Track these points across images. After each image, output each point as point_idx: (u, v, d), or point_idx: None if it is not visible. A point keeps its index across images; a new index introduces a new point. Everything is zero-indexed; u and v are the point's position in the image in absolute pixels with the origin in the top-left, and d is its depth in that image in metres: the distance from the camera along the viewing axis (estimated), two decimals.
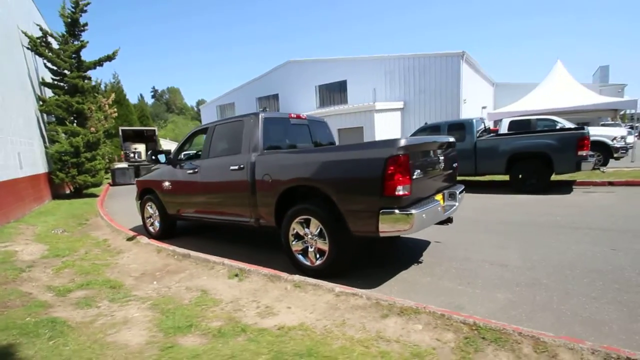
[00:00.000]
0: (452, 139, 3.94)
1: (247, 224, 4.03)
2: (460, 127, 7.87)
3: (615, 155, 9.21)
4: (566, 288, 2.77)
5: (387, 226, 2.83)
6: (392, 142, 2.81)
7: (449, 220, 3.73)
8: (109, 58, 10.59)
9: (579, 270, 3.11)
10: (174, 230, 5.54)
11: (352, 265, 3.47)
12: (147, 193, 5.59)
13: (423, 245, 4.20)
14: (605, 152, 9.19)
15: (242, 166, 3.91)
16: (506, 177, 7.46)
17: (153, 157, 4.96)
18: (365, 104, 17.18)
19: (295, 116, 4.54)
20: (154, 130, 21.39)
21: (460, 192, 3.72)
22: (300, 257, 3.48)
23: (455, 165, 4.01)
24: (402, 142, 2.78)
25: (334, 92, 21.10)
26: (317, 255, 3.35)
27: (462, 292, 2.86)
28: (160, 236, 5.33)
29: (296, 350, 1.96)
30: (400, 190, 2.76)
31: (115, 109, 15.19)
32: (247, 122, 4.06)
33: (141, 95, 41.36)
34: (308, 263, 3.41)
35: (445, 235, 4.39)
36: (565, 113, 15.18)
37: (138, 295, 3.09)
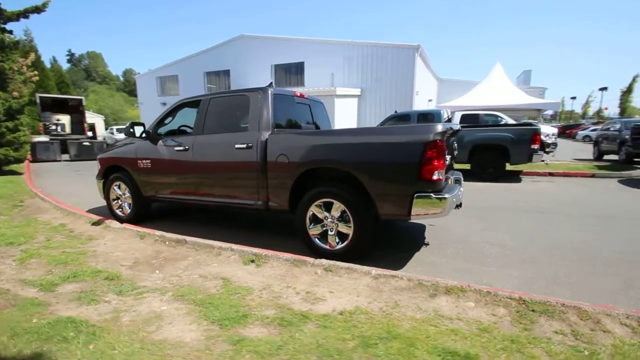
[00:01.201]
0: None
1: (251, 207, 3.79)
2: (429, 117, 8.31)
3: (547, 150, 10.62)
4: (564, 264, 3.16)
5: (420, 210, 2.89)
6: (429, 127, 2.85)
7: (459, 205, 3.94)
8: (38, 10, 8.82)
9: (564, 248, 3.56)
10: (148, 213, 4.98)
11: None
12: (113, 171, 4.91)
13: (419, 227, 4.41)
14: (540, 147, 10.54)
15: (250, 145, 3.63)
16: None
17: (131, 130, 4.33)
18: (327, 88, 17.09)
19: (299, 94, 4.33)
20: (81, 100, 18.75)
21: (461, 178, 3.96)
22: (317, 240, 3.39)
23: (456, 152, 4.23)
24: (439, 128, 2.84)
25: (291, 73, 20.58)
26: (337, 239, 3.31)
27: (480, 271, 3.08)
28: (132, 220, 4.75)
29: (376, 333, 1.93)
30: (436, 175, 2.83)
31: (36, 72, 12.87)
32: (254, 97, 3.75)
33: (54, 58, 35.23)
34: (327, 247, 3.35)
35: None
36: (500, 110, 16.88)
37: (148, 286, 2.73)
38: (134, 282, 2.81)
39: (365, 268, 2.88)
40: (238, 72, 22.11)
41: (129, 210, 4.84)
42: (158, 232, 4.03)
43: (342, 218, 3.26)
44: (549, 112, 26.77)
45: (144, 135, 4.47)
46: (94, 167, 5.46)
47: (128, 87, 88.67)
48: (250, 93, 3.81)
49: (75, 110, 18.39)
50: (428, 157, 2.79)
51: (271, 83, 4.01)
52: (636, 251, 3.43)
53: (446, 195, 2.84)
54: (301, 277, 2.88)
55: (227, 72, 22.80)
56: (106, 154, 5.05)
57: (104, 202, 5.87)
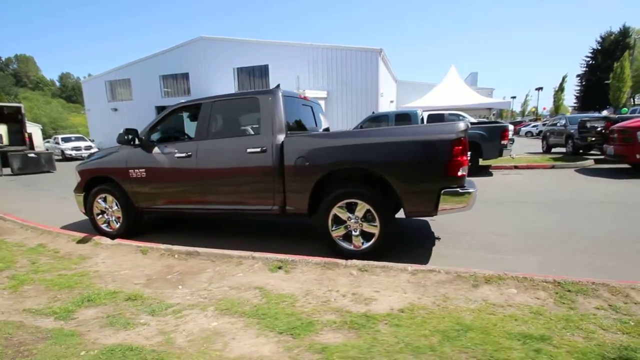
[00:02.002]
0: None
1: (267, 212, 3.67)
2: (406, 117, 8.65)
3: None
4: (568, 249, 3.46)
5: (447, 205, 3.01)
6: (454, 126, 2.98)
7: None
8: None
9: (558, 234, 3.89)
10: (140, 226, 4.61)
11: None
12: (97, 183, 4.49)
13: (423, 223, 4.57)
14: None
15: (264, 148, 3.52)
16: None
17: (127, 137, 3.98)
18: (300, 91, 17.01)
19: (303, 96, 4.29)
20: (20, 107, 16.84)
21: None
22: (341, 242, 3.38)
23: None
24: (462, 126, 2.98)
25: (254, 77, 20.22)
26: (361, 239, 3.32)
27: (500, 259, 3.27)
28: (122, 235, 4.37)
29: (448, 327, 1.97)
30: (461, 171, 2.97)
31: None
32: (264, 99, 3.65)
33: None
34: (351, 247, 3.35)
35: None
36: (457, 109, 18.02)
37: (180, 303, 2.54)
38: (162, 301, 2.59)
39: (401, 265, 2.93)
40: (198, 76, 21.28)
41: (118, 225, 4.45)
42: (163, 246, 3.75)
43: (366, 218, 3.29)
44: (494, 111, 29.22)
45: (135, 142, 4.14)
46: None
47: (66, 92, 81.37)
48: (260, 95, 3.70)
49: (13, 119, 16.46)
50: (454, 154, 2.91)
51: (279, 85, 3.93)
52: (623, 231, 3.85)
53: (471, 190, 2.98)
54: (338, 279, 2.85)
55: (185, 75, 21.83)
56: (88, 165, 4.59)
57: (73, 218, 5.44)
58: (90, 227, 4.74)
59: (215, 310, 2.37)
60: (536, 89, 42.11)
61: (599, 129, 9.16)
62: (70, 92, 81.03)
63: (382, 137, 3.16)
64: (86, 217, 5.23)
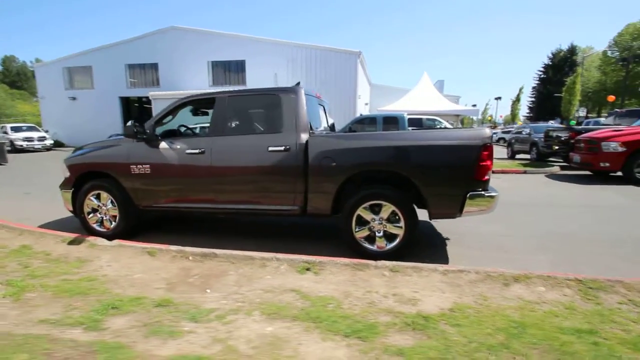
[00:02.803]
0: None
1: (286, 212, 3.60)
2: (394, 120, 8.87)
3: None
4: (571, 249, 3.72)
5: (472, 208, 3.14)
6: (482, 132, 3.11)
7: None
8: None
9: (557, 235, 4.19)
10: (137, 226, 4.31)
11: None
12: (89, 179, 4.13)
13: (427, 224, 4.72)
14: None
15: (288, 147, 3.44)
16: None
17: (136, 130, 3.69)
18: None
19: (318, 95, 4.25)
20: None
21: None
22: (365, 243, 3.40)
23: None
24: (488, 132, 3.12)
25: (230, 71, 19.65)
26: (385, 240, 3.36)
27: (512, 258, 3.46)
28: (118, 235, 4.06)
29: (504, 325, 2.05)
30: (487, 175, 3.10)
31: None
32: (287, 96, 3.57)
33: None
34: (375, 248, 3.38)
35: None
36: (429, 114, 18.72)
37: (219, 308, 2.41)
38: (197, 306, 2.45)
39: (431, 265, 3.00)
40: (168, 66, 20.27)
41: (114, 224, 4.12)
42: (174, 247, 3.54)
43: (389, 219, 3.33)
44: (460, 117, 30.91)
45: (139, 135, 3.85)
46: None
47: (9, 77, 73.64)
48: (282, 93, 3.61)
49: None
50: (482, 159, 3.04)
51: (298, 82, 3.86)
52: (614, 232, 4.23)
53: (494, 194, 3.13)
54: (372, 280, 2.86)
55: (154, 66, 20.70)
56: (80, 159, 4.20)
57: (46, 216, 5.05)
58: (73, 226, 4.41)
59: (262, 314, 2.28)
60: (495, 99, 45.20)
61: (563, 138, 10.00)
62: (14, 78, 73.35)
63: (412, 140, 3.22)
64: (67, 215, 4.86)
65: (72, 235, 3.98)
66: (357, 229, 3.39)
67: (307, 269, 3.08)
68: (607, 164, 7.42)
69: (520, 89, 35.84)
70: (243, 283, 2.87)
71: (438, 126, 13.47)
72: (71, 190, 4.20)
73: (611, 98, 25.47)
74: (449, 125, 13.15)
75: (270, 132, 3.58)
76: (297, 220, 4.91)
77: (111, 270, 3.15)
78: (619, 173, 7.43)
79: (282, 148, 3.44)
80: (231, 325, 2.15)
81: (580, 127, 11.52)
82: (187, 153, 3.73)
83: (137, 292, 2.69)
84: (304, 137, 3.45)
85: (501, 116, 47.04)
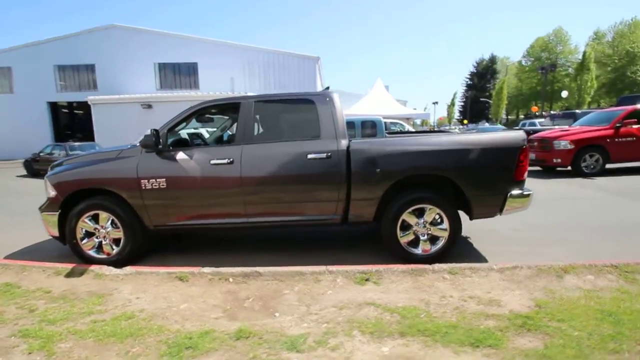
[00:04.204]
0: None
1: (326, 221, 3.45)
2: (372, 125, 9.06)
3: None
4: (575, 239, 4.10)
5: (511, 206, 3.31)
6: (520, 133, 3.31)
7: None
8: None
9: (554, 227, 4.62)
10: (146, 248, 3.79)
11: None
12: (83, 198, 3.53)
13: None
14: None
15: (329, 154, 3.30)
16: None
17: (156, 140, 3.22)
18: (227, 93, 16.09)
19: None
20: None
21: None
22: (410, 248, 3.39)
23: None
24: (524, 134, 3.33)
25: (181, 74, 18.43)
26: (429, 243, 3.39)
27: (535, 251, 3.71)
28: (123, 261, 3.53)
29: (605, 313, 2.19)
30: (524, 175, 3.31)
31: None
32: (322, 100, 3.44)
33: None
34: (420, 252, 3.39)
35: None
36: (384, 118, 19.34)
37: (308, 332, 2.19)
38: (281, 332, 2.21)
39: (485, 264, 3.10)
40: (108, 68, 18.35)
41: (116, 249, 3.56)
42: (208, 269, 3.17)
43: (433, 222, 3.38)
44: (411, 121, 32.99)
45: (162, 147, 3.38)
46: None
47: None
48: (316, 97, 3.47)
49: None
50: (522, 160, 3.23)
51: (328, 87, 3.73)
52: (599, 221, 4.78)
53: (530, 192, 3.35)
54: (436, 285, 2.86)
55: (90, 67, 18.59)
56: (71, 174, 3.55)
57: (14, 244, 4.27)
58: (48, 254, 3.84)
59: (364, 334, 2.13)
60: (433, 103, 49.23)
61: None
62: None
63: (457, 143, 3.30)
64: (32, 241, 4.26)
65: (65, 266, 3.38)
66: (401, 234, 3.37)
67: (366, 280, 2.97)
68: (559, 160, 8.44)
69: (455, 94, 39.47)
70: (308, 302, 2.66)
71: (400, 129, 14.14)
72: (58, 213, 3.53)
73: (535, 109, 29.08)
74: (411, 129, 13.87)
75: (307, 138, 3.40)
76: (297, 229, 4.69)
77: (145, 303, 2.70)
78: (569, 168, 8.49)
79: (324, 155, 3.29)
80: (342, 351, 1.97)
81: (533, 128, 12.96)
82: (212, 164, 3.37)
83: (198, 325, 2.34)
84: (344, 143, 3.34)
85: (441, 118, 51.17)
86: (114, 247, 3.57)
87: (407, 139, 3.46)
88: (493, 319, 2.25)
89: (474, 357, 1.83)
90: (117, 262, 3.51)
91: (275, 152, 3.37)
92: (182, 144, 3.78)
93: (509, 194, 3.26)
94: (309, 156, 3.30)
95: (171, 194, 3.42)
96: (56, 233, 3.59)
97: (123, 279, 3.15)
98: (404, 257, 3.36)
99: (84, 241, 3.56)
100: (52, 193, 3.53)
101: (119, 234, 3.52)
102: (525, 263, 3.08)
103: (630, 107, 8.57)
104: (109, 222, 3.53)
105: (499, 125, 20.00)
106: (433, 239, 3.40)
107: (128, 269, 3.29)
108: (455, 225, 3.32)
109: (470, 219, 3.47)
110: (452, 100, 39.30)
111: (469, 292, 2.68)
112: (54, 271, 3.30)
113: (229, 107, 3.58)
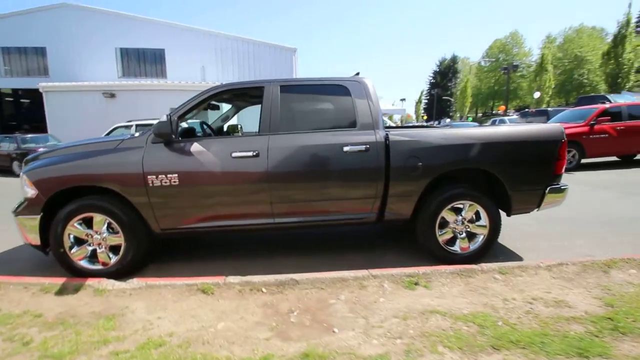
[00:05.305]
0: None
1: (362, 220, 3.17)
2: None
3: None
4: (600, 233, 4.11)
5: (549, 201, 3.23)
6: (557, 127, 3.21)
7: None
8: None
9: (564, 220, 4.67)
10: (149, 256, 3.26)
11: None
12: (67, 198, 2.94)
13: None
14: None
15: (367, 146, 3.00)
16: None
17: (167, 131, 2.70)
18: (198, 83, 15.11)
19: None
20: None
21: None
22: (448, 246, 3.20)
23: None
24: (562, 127, 3.24)
25: (146, 61, 17.03)
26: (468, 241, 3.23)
27: (562, 246, 3.68)
28: (122, 271, 3.01)
29: None
30: (562, 169, 3.23)
31: None
32: (356, 87, 3.14)
33: None
34: (458, 250, 3.22)
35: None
36: None
37: (388, 352, 1.90)
38: (355, 353, 1.90)
39: (531, 262, 2.98)
40: (62, 52, 16.50)
41: (115, 258, 3.02)
42: (235, 278, 2.76)
43: (471, 219, 3.21)
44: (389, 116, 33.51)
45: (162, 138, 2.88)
46: None
47: None
48: (349, 82, 3.15)
49: None
50: (560, 154, 3.15)
51: (358, 73, 3.41)
52: (599, 214, 4.92)
53: (567, 187, 3.28)
54: (490, 286, 2.69)
55: (40, 51, 16.60)
56: (56, 169, 2.93)
57: None
58: (19, 266, 3.27)
59: (450, 349, 1.88)
60: (400, 100, 50.37)
61: None
62: None
63: (501, 136, 3.13)
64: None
65: (52, 281, 2.82)
66: (440, 232, 3.17)
67: (415, 284, 2.74)
68: None
69: (422, 92, 40.60)
70: (363, 312, 2.37)
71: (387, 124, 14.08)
72: (39, 216, 2.91)
73: (501, 108, 30.60)
74: (392, 124, 13.89)
75: (342, 129, 3.07)
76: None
77: (171, 324, 2.25)
78: None
79: (363, 147, 2.98)
80: None
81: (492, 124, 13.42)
82: (234, 157, 2.94)
83: (249, 350, 1.96)
84: (382, 134, 3.06)
85: (409, 115, 52.64)
86: (112, 255, 3.02)
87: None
88: (576, 322, 2.10)
89: None
90: (117, 273, 2.98)
91: (307, 144, 3.00)
92: (187, 134, 3.28)
93: (548, 189, 3.17)
94: (345, 148, 2.98)
95: (185, 192, 2.93)
96: (37, 241, 2.96)
97: (132, 294, 2.64)
98: (443, 256, 3.17)
99: (74, 250, 2.97)
100: (32, 192, 2.90)
101: (119, 239, 2.98)
102: (570, 260, 3.01)
103: (602, 106, 9.11)
104: (105, 226, 2.97)
105: (471, 122, 20.85)
106: (470, 237, 3.24)
107: (135, 282, 2.78)
108: (496, 221, 3.18)
109: (508, 215, 3.35)
110: (419, 97, 40.49)
111: (528, 293, 2.53)
112: (39, 288, 2.71)
113: (252, 92, 3.15)
